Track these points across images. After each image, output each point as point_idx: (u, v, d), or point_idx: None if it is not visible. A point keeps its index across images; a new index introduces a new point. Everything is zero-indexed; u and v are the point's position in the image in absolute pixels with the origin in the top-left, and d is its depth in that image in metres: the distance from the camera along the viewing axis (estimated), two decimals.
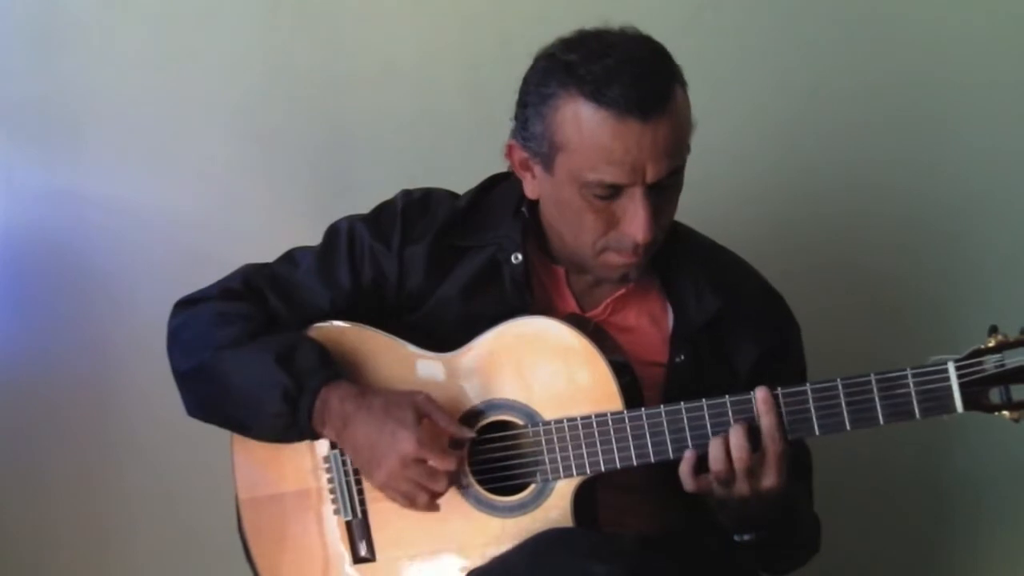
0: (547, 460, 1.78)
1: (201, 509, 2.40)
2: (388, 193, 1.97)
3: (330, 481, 1.87)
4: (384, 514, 1.82)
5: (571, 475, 1.77)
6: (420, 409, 1.76)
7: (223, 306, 1.89)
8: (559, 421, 1.77)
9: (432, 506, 1.77)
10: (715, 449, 1.71)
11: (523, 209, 1.89)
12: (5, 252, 2.46)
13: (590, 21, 1.79)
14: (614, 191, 1.74)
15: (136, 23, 2.45)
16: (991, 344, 1.66)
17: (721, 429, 1.71)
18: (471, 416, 1.81)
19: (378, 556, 1.85)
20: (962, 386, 1.66)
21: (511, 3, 2.47)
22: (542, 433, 1.78)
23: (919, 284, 2.51)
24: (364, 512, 1.85)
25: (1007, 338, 1.66)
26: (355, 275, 1.90)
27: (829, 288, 2.47)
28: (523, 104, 1.80)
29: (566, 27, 1.80)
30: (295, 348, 1.82)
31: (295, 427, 1.81)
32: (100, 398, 2.49)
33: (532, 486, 1.79)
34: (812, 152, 2.50)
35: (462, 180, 1.98)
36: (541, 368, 1.80)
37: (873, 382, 1.68)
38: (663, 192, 1.76)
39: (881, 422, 1.69)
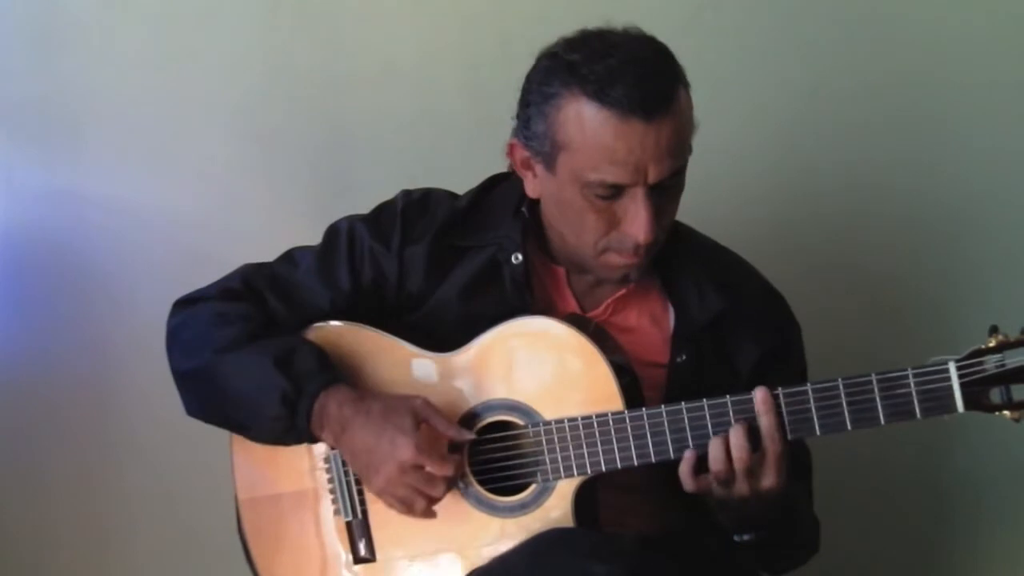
0: (547, 460, 1.78)
1: (201, 509, 2.39)
2: (388, 193, 1.96)
3: (330, 481, 1.87)
4: (384, 514, 1.82)
5: (572, 475, 1.77)
6: (419, 414, 1.76)
7: (222, 306, 1.89)
8: (559, 421, 1.77)
9: (429, 512, 1.77)
10: (715, 449, 1.71)
11: (523, 209, 1.89)
12: (5, 252, 2.46)
13: (590, 21, 1.79)
14: (616, 191, 1.74)
15: (136, 23, 2.45)
16: (992, 344, 1.66)
17: (722, 429, 1.71)
18: (471, 416, 1.81)
19: (378, 556, 1.84)
20: (963, 386, 1.66)
21: (511, 3, 2.47)
22: (542, 433, 1.78)
23: (919, 284, 2.51)
24: (364, 512, 1.85)
25: (1008, 338, 1.66)
26: (355, 275, 1.90)
27: (829, 288, 2.47)
28: (525, 103, 1.80)
29: (566, 27, 1.80)
30: (294, 351, 1.82)
31: (293, 431, 1.80)
32: (100, 398, 2.49)
33: (533, 486, 1.78)
34: (812, 152, 2.50)
35: (462, 180, 1.98)
36: (541, 368, 1.80)
37: (874, 382, 1.68)
38: (665, 192, 1.76)
39: (882, 422, 1.69)
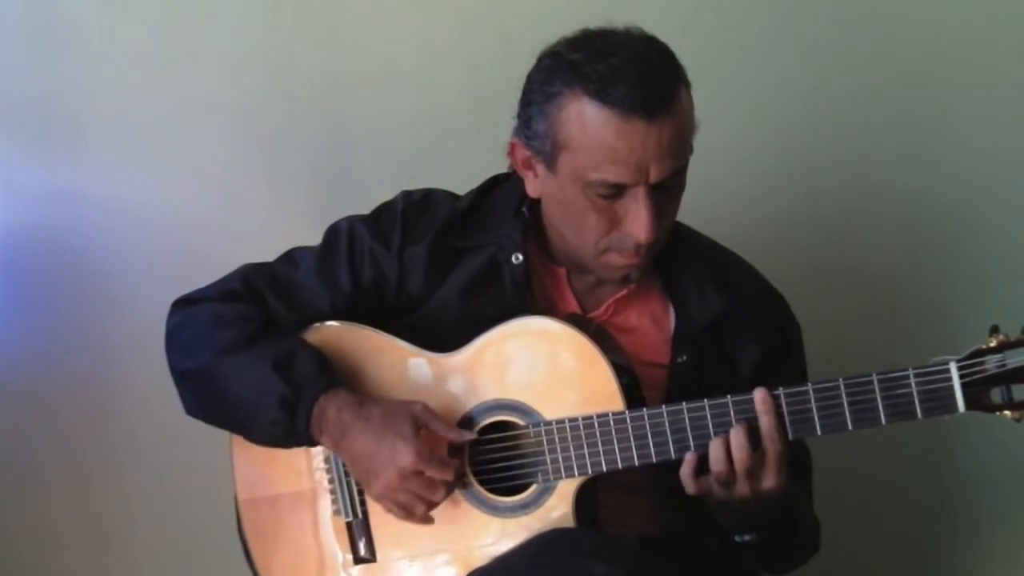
0: (548, 460, 1.77)
1: (201, 509, 2.39)
2: (388, 193, 1.96)
3: (330, 482, 1.87)
4: (384, 515, 1.81)
5: (572, 475, 1.77)
6: (418, 420, 1.76)
7: (222, 307, 1.88)
8: (560, 421, 1.77)
9: (428, 518, 1.77)
10: (716, 450, 1.71)
11: (524, 209, 1.89)
12: (5, 252, 2.46)
13: (591, 21, 1.79)
14: (617, 191, 1.74)
15: (136, 23, 2.45)
16: (992, 344, 1.66)
17: (723, 429, 1.71)
18: (471, 416, 1.81)
19: (378, 556, 1.84)
20: (964, 386, 1.66)
21: (511, 3, 2.47)
22: (543, 433, 1.78)
23: (919, 284, 2.51)
24: (364, 512, 1.85)
25: (1008, 338, 1.66)
26: (355, 276, 1.90)
27: (829, 288, 2.47)
28: (526, 102, 1.79)
29: (566, 27, 1.79)
30: (294, 355, 1.81)
31: (292, 434, 1.80)
32: (100, 398, 2.49)
33: (533, 486, 1.78)
34: (812, 152, 2.50)
35: (462, 180, 1.98)
36: (542, 368, 1.80)
37: (875, 382, 1.68)
38: (666, 192, 1.76)
39: (883, 422, 1.69)
